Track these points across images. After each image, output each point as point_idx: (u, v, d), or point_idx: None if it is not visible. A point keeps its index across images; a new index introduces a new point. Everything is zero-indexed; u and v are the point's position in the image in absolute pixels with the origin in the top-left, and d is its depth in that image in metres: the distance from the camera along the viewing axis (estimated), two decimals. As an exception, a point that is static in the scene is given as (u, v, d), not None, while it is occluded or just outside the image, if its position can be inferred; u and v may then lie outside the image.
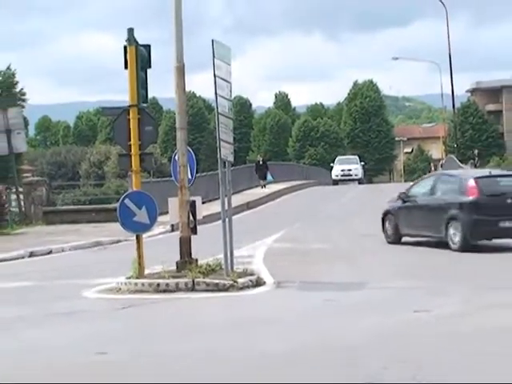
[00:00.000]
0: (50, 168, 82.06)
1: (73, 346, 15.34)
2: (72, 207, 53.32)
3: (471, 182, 32.63)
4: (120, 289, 22.16)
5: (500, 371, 11.85)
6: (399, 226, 33.17)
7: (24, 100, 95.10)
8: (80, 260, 32.32)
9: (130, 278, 22.59)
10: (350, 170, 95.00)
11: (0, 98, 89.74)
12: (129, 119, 23.26)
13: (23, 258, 33.74)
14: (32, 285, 24.55)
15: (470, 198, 31.84)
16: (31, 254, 34.47)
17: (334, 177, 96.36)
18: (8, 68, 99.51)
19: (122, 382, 12.16)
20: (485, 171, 41.18)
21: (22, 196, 52.59)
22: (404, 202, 33.77)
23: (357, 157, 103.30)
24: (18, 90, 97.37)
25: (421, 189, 34.70)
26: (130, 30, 23.05)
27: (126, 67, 23.10)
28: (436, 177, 37.42)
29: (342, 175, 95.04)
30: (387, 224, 34.02)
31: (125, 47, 23.07)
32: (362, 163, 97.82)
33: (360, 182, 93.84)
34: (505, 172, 43.06)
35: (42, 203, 53.12)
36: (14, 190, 52.37)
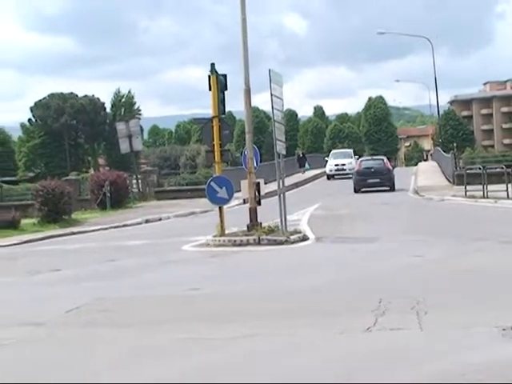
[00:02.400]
0: (159, 161, 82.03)
1: (176, 283, 15.44)
2: (174, 188, 53.39)
3: (358, 162, 53.95)
4: (208, 244, 22.28)
5: (476, 294, 11.88)
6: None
7: (140, 114, 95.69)
8: (180, 224, 32.50)
9: (215, 236, 22.72)
10: (343, 164, 66.40)
11: (124, 113, 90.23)
12: (212, 126, 23.50)
13: (141, 224, 34.02)
14: (148, 242, 24.74)
15: (357, 168, 50.60)
16: (147, 221, 34.75)
17: (328, 171, 67.46)
18: (129, 92, 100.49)
19: (204, 306, 12.30)
20: (364, 157, 65.20)
21: (139, 181, 52.84)
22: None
23: (351, 150, 74.96)
24: (136, 107, 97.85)
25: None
26: (213, 64, 23.40)
27: (210, 89, 23.31)
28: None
29: (336, 170, 66.35)
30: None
31: (209, 76, 23.33)
32: (357, 157, 67.78)
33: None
34: (370, 157, 64.47)
35: (153, 185, 53.45)
36: (134, 176, 52.67)
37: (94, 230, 31.66)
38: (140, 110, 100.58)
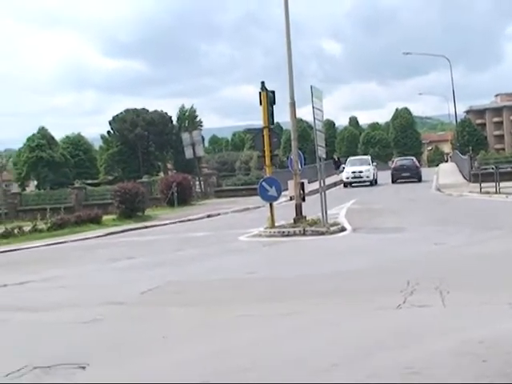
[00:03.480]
0: (218, 165, 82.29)
1: (234, 268, 15.51)
2: (231, 187, 53.47)
3: (395, 160, 61.71)
4: (260, 235, 22.29)
5: (491, 276, 11.80)
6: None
7: (201, 125, 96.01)
8: (236, 218, 32.54)
9: (266, 228, 22.74)
10: (361, 171, 54.13)
11: (188, 125, 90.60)
12: (263, 135, 23.46)
13: (203, 218, 34.10)
14: (210, 234, 24.79)
15: (394, 165, 57.71)
16: (208, 216, 34.81)
17: (344, 179, 54.83)
18: (192, 107, 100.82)
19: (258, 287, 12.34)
20: (399, 158, 69.22)
21: (202, 182, 53.07)
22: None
23: (369, 157, 62.52)
24: (198, 119, 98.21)
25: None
26: (263, 83, 23.45)
27: (260, 104, 23.31)
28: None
29: (353, 177, 54.02)
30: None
31: (260, 92, 23.31)
32: (375, 163, 58.55)
33: (371, 183, 53.48)
34: (404, 157, 67.68)
35: (213, 186, 53.62)
36: (197, 178, 52.91)
37: (163, 224, 31.85)
38: (201, 122, 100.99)
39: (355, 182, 53.03)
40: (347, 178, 53.80)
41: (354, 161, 58.00)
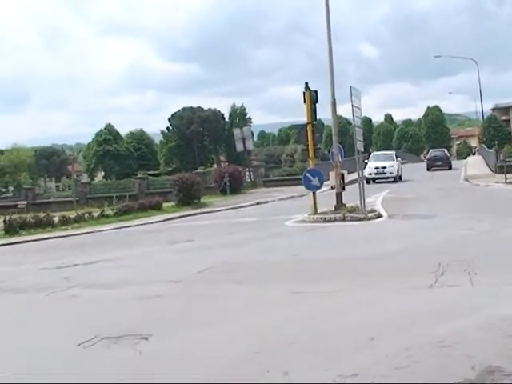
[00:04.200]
0: (265, 158, 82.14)
1: (281, 250, 15.45)
2: (278, 178, 53.42)
3: (429, 152, 63.68)
4: (304, 220, 22.23)
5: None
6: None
7: (251, 122, 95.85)
8: (283, 205, 32.47)
9: (309, 214, 22.67)
10: (384, 167, 46.85)
11: (238, 121, 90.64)
12: (307, 130, 23.38)
13: (253, 205, 34.11)
14: (259, 219, 24.76)
15: (428, 156, 60.64)
16: (257, 203, 34.80)
17: (367, 175, 42.59)
18: (242, 105, 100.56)
19: (303, 268, 12.34)
20: (433, 149, 67.68)
21: (251, 173, 53.10)
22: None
23: (393, 152, 53.73)
24: (247, 117, 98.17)
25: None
26: (306, 83, 23.36)
27: (304, 102, 23.20)
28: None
29: (375, 173, 46.50)
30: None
31: (304, 92, 23.20)
32: (399, 159, 50.15)
33: (395, 180, 45.62)
34: (437, 149, 66.51)
35: (262, 176, 53.64)
36: (247, 169, 52.87)
37: (217, 211, 31.92)
38: (250, 119, 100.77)
39: (378, 178, 45.77)
40: (370, 174, 45.20)
41: (377, 156, 50.34)
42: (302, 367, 6.31)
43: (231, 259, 14.37)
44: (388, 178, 45.34)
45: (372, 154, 51.70)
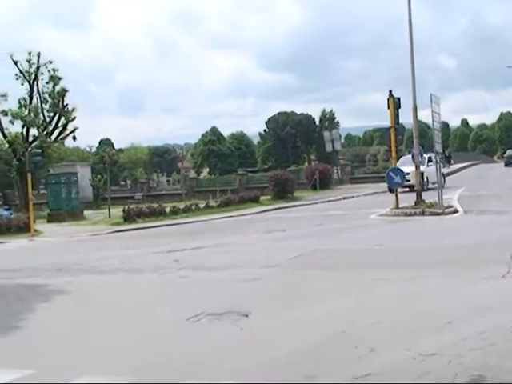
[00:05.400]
0: (351, 157, 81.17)
1: (364, 241, 15.32)
2: (362, 176, 52.89)
3: (506, 152, 62.39)
4: (387, 214, 21.91)
5: None
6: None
7: (338, 125, 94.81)
8: (367, 200, 32.08)
9: (392, 208, 22.33)
10: (408, 173, 27.08)
11: (328, 125, 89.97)
12: (390, 133, 23.05)
13: (340, 200, 33.79)
14: (345, 212, 24.55)
15: (505, 155, 62.01)
16: (344, 198, 34.46)
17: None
18: (331, 111, 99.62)
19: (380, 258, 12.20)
20: (509, 151, 65.91)
21: (339, 171, 52.72)
22: None
23: (428, 155, 32.98)
24: (335, 120, 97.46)
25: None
26: (390, 91, 22.99)
27: (388, 108, 22.85)
28: None
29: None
30: None
31: (388, 99, 22.85)
32: (431, 163, 30.57)
33: (415, 188, 23.85)
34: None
35: (348, 174, 53.24)
36: (335, 168, 52.49)
37: (308, 204, 31.84)
38: (338, 123, 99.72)
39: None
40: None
41: (404, 160, 32.23)
42: (386, 345, 6.27)
43: (321, 247, 14.33)
44: (410, 186, 28.57)
45: (402, 158, 32.97)
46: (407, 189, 28.73)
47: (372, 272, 10.50)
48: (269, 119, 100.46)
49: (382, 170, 44.80)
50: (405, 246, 14.12)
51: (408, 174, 28.01)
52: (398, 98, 23.10)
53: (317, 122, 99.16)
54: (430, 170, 30.53)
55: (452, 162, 65.57)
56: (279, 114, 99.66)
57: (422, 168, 27.61)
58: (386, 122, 24.07)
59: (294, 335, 6.90)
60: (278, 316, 7.83)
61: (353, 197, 35.32)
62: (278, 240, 16.74)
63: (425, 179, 29.79)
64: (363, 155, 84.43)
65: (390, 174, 23.06)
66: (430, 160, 31.85)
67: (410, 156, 31.36)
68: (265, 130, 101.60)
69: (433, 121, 22.39)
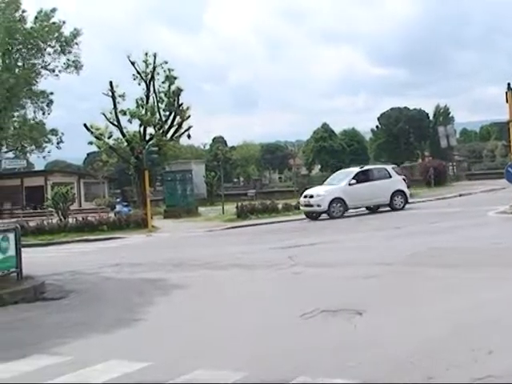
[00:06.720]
0: (467, 153, 78.80)
1: (482, 238, 14.69)
2: (479, 172, 51.40)
3: None
4: (505, 211, 21.13)
5: None
6: None
7: (453, 120, 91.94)
8: (484, 197, 30.76)
9: (511, 206, 21.58)
10: (311, 196, 25.63)
11: (442, 120, 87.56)
12: (508, 128, 22.09)
13: (456, 197, 32.82)
14: (461, 209, 23.82)
15: None
16: (460, 195, 33.57)
17: (301, 207, 26.89)
18: (445, 105, 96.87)
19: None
20: None
21: (454, 167, 51.45)
22: None
23: (355, 170, 27.62)
24: (450, 116, 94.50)
25: None
26: (509, 84, 21.80)
27: (506, 101, 21.77)
28: None
29: (304, 204, 26.07)
30: None
31: (506, 92, 21.74)
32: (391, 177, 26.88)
33: (329, 215, 24.84)
34: None
35: (464, 170, 51.96)
36: (450, 164, 51.06)
37: (424, 201, 31.16)
38: (453, 118, 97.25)
39: (308, 212, 26.07)
40: (301, 205, 27.07)
41: (336, 176, 28.56)
42: (504, 347, 6.07)
43: (436, 245, 14.02)
44: (314, 212, 25.75)
45: (333, 175, 30.08)
46: None
47: (489, 270, 10.21)
48: (381, 115, 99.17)
49: (501, 165, 43.27)
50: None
51: (312, 196, 25.75)
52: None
53: (430, 118, 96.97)
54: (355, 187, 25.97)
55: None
56: (392, 109, 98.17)
57: (329, 188, 25.82)
58: (504, 115, 23.19)
59: (408, 334, 6.79)
60: (393, 314, 7.76)
61: (470, 193, 34.28)
62: (391, 238, 16.54)
63: (326, 204, 25.33)
64: (480, 151, 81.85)
65: (509, 169, 22.20)
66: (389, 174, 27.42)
67: (344, 171, 28.87)
68: (377, 126, 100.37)
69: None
